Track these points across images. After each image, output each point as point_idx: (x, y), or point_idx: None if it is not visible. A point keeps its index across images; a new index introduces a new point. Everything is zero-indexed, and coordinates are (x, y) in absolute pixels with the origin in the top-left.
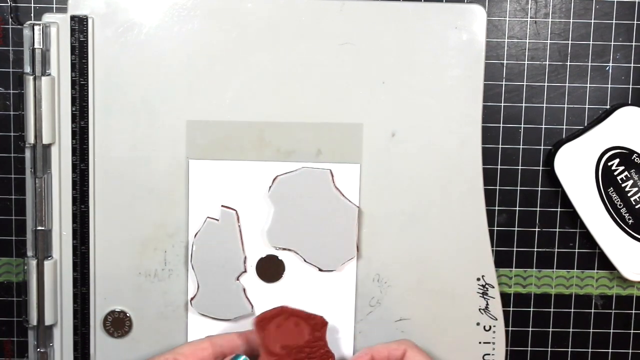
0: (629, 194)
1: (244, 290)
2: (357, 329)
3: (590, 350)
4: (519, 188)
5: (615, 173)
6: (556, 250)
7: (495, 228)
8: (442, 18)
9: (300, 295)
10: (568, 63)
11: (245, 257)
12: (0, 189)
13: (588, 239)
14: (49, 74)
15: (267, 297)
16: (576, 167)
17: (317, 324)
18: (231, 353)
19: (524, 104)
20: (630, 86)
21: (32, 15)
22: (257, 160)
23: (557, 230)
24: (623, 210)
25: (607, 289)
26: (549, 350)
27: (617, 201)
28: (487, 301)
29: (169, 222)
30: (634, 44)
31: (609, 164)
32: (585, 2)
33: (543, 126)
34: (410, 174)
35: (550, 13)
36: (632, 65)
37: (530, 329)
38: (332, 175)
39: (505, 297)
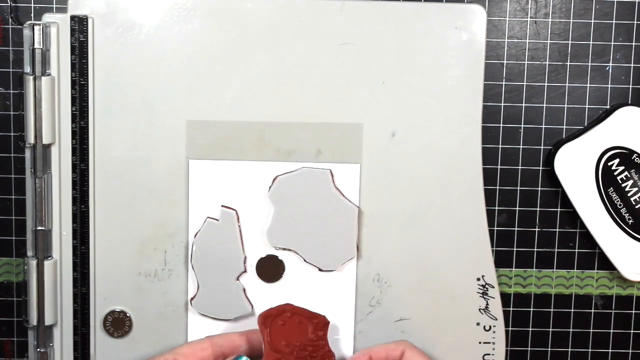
0: (629, 194)
1: (244, 290)
2: (357, 329)
3: (590, 350)
4: (519, 188)
5: (615, 173)
6: (556, 250)
7: (495, 228)
8: (442, 18)
9: (300, 295)
10: (568, 63)
11: (245, 257)
12: (0, 189)
13: (588, 239)
14: (49, 74)
15: (267, 297)
16: (576, 167)
17: (320, 323)
18: (231, 353)
19: (524, 104)
20: (630, 86)
21: (32, 15)
22: (257, 160)
23: (557, 230)
24: (623, 210)
25: (607, 289)
26: (549, 350)
27: (617, 201)
28: (487, 301)
29: (169, 222)
30: (634, 44)
31: (609, 164)
32: (585, 2)
33: (543, 126)
34: (410, 174)
35: (550, 13)
36: (632, 65)
37: (530, 329)
38: (332, 175)
39: (505, 297)
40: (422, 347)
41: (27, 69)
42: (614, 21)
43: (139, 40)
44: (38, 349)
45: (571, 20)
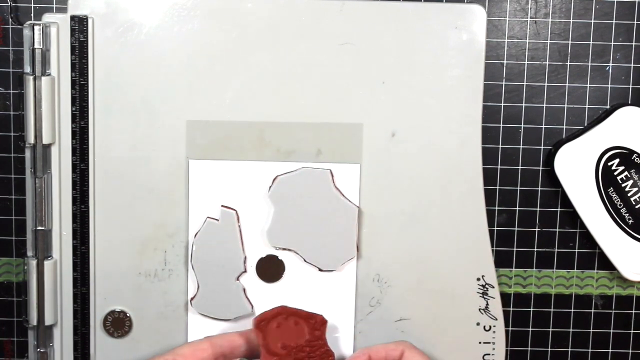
0: (629, 194)
1: (244, 290)
2: (357, 329)
3: (590, 350)
4: (519, 188)
5: (615, 173)
6: (556, 250)
7: (495, 228)
8: (442, 18)
9: (300, 295)
10: (568, 63)
11: (245, 257)
12: (0, 189)
13: (588, 239)
14: (49, 74)
15: (267, 297)
16: (576, 167)
17: (317, 323)
18: (231, 353)
19: (524, 104)
20: (630, 86)
21: (32, 15)
22: (257, 160)
23: (557, 230)
24: (623, 210)
25: (607, 289)
26: (549, 350)
27: (617, 201)
28: (487, 301)
29: (169, 222)
30: (634, 44)
31: (609, 164)
32: (585, 2)
33: (543, 126)
34: (410, 174)
35: (550, 13)
36: (632, 65)
37: (530, 329)
38: (332, 175)
39: (505, 297)
40: (422, 347)
41: (27, 69)
42: (614, 21)
43: (139, 40)
44: (38, 349)
45: (571, 20)
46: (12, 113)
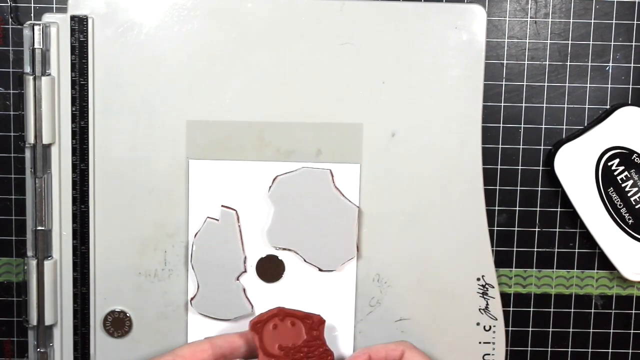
0: (629, 194)
1: (244, 290)
2: (357, 329)
3: (590, 350)
4: (519, 188)
5: (615, 173)
6: (556, 250)
7: (495, 228)
8: (442, 18)
9: (300, 295)
10: (568, 63)
11: (245, 257)
12: (0, 189)
13: (588, 239)
14: (49, 74)
15: (267, 297)
16: (576, 167)
17: (315, 323)
18: (231, 354)
19: (524, 104)
20: (630, 86)
21: (32, 15)
22: (257, 160)
23: (557, 230)
24: (623, 210)
25: (607, 289)
26: (549, 350)
27: (617, 201)
28: (487, 301)
29: (169, 222)
30: (634, 44)
31: (609, 164)
32: (585, 2)
33: (543, 126)
34: (410, 174)
35: (550, 13)
36: (632, 65)
37: (530, 329)
38: (332, 175)
39: (505, 297)
40: (422, 347)
41: (27, 69)
42: (614, 21)
43: (139, 40)
44: (38, 349)
45: (571, 20)
46: (12, 113)
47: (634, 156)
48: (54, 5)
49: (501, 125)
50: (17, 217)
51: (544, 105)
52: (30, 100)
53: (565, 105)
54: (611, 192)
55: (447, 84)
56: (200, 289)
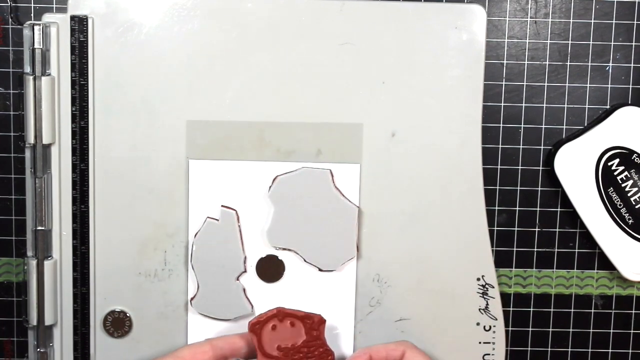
0: (629, 194)
1: (244, 290)
2: (357, 329)
3: (590, 350)
4: (519, 188)
5: (615, 173)
6: (556, 250)
7: (495, 228)
8: (442, 18)
9: (300, 295)
10: (568, 63)
11: (245, 257)
12: (0, 189)
13: (588, 239)
14: (49, 74)
15: (267, 297)
16: (576, 167)
17: (314, 323)
18: (232, 355)
19: (524, 104)
20: (630, 86)
21: (32, 15)
22: (257, 160)
23: (557, 230)
24: (623, 210)
25: (607, 289)
26: (549, 350)
27: (617, 201)
28: (487, 301)
29: (169, 222)
30: (634, 44)
31: (609, 164)
32: (585, 2)
33: (543, 126)
34: (410, 174)
35: (550, 13)
36: (632, 65)
37: (530, 329)
38: (332, 175)
39: (505, 297)
40: (422, 347)
41: (27, 69)
42: (614, 21)
43: (139, 40)
44: (38, 349)
45: (571, 20)
46: (12, 113)
47: (634, 156)
48: (54, 5)
49: (501, 125)
50: (17, 217)
51: (544, 105)
52: (30, 100)
53: (565, 105)
54: (611, 192)
55: (447, 84)
56: (200, 289)
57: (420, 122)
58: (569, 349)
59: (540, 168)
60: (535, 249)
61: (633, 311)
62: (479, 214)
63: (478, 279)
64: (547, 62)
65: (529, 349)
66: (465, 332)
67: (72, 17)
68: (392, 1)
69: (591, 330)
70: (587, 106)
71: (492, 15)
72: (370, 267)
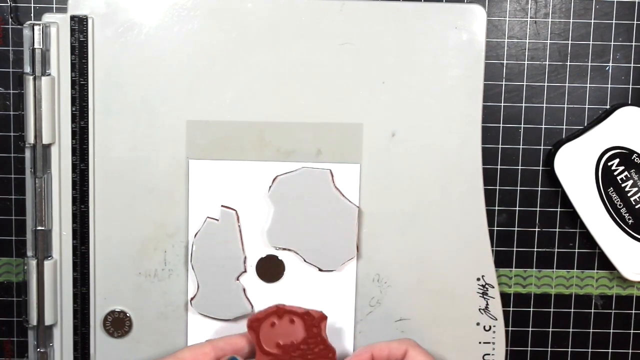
0: (629, 194)
1: (244, 290)
2: (357, 329)
3: (590, 350)
4: (519, 188)
5: (615, 173)
6: (556, 250)
7: (495, 228)
8: (442, 18)
9: (300, 295)
10: (568, 63)
11: (245, 257)
12: (0, 189)
13: (588, 239)
14: (49, 74)
15: (267, 297)
16: (576, 167)
17: (315, 320)
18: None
19: (524, 104)
20: (630, 86)
21: (32, 15)
22: (257, 160)
23: (557, 230)
24: (623, 210)
25: (607, 289)
26: (549, 350)
27: (617, 201)
28: (487, 301)
29: (169, 222)
30: (634, 44)
31: (609, 164)
32: (585, 2)
33: (543, 126)
34: (410, 174)
35: (550, 13)
36: (632, 65)
37: (530, 329)
38: (332, 175)
39: (505, 297)
40: (422, 347)
41: (27, 69)
42: (614, 21)
43: (139, 40)
44: (38, 349)
45: (571, 20)
46: (12, 113)
47: (634, 156)
48: (54, 5)
49: (501, 125)
50: (17, 217)
51: (544, 105)
52: (30, 100)
53: (565, 105)
54: (611, 192)
55: (447, 84)
56: (200, 289)
57: (420, 122)
58: (569, 349)
59: (540, 168)
60: (535, 249)
61: (633, 311)
62: (479, 214)
63: (478, 279)
64: (547, 62)
65: (529, 349)
66: (465, 332)
67: (72, 17)
68: (392, 1)
69: (591, 330)
70: (587, 106)
71: (492, 15)
72: (370, 267)
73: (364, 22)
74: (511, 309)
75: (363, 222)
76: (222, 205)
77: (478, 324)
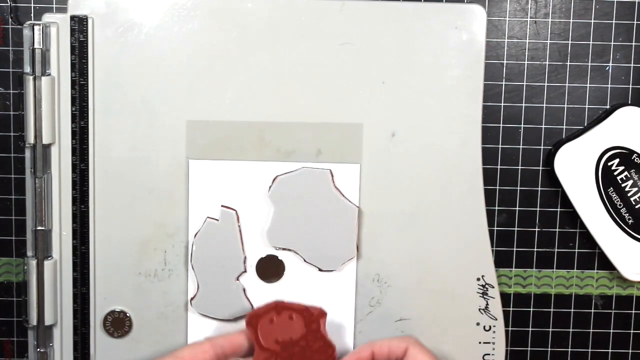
0: (629, 194)
1: (244, 290)
2: (357, 329)
3: (590, 350)
4: (519, 188)
5: (615, 173)
6: (556, 250)
7: (495, 228)
8: (442, 18)
9: (300, 295)
10: (568, 63)
11: (245, 257)
12: (0, 189)
13: (588, 239)
14: (49, 74)
15: (267, 297)
16: (576, 167)
17: (314, 316)
18: (233, 353)
19: (524, 104)
20: (630, 86)
21: (32, 15)
22: (257, 160)
23: (557, 230)
24: (623, 210)
25: (607, 289)
26: (549, 350)
27: (617, 201)
28: (487, 301)
29: (169, 222)
30: (634, 44)
31: (609, 164)
32: (585, 2)
33: (543, 126)
34: (410, 174)
35: (550, 13)
36: (632, 65)
37: (530, 329)
38: (332, 175)
39: (505, 297)
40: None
41: (27, 69)
42: (614, 21)
43: (139, 40)
44: (38, 349)
45: (571, 20)
46: (12, 113)
47: (634, 156)
48: (54, 5)
49: (501, 125)
50: (17, 217)
51: (544, 105)
52: (30, 100)
53: (565, 105)
54: (611, 192)
55: (447, 84)
56: (200, 289)
57: (420, 122)
58: (569, 349)
59: (540, 168)
60: (535, 249)
61: (633, 311)
62: (479, 214)
63: (478, 279)
64: (547, 62)
65: (529, 349)
66: (465, 332)
67: (72, 17)
68: (392, 1)
69: (591, 330)
70: (587, 106)
71: (492, 15)
72: (370, 267)
73: (364, 22)
74: (511, 309)
75: (363, 222)
76: (222, 205)
77: (478, 324)
